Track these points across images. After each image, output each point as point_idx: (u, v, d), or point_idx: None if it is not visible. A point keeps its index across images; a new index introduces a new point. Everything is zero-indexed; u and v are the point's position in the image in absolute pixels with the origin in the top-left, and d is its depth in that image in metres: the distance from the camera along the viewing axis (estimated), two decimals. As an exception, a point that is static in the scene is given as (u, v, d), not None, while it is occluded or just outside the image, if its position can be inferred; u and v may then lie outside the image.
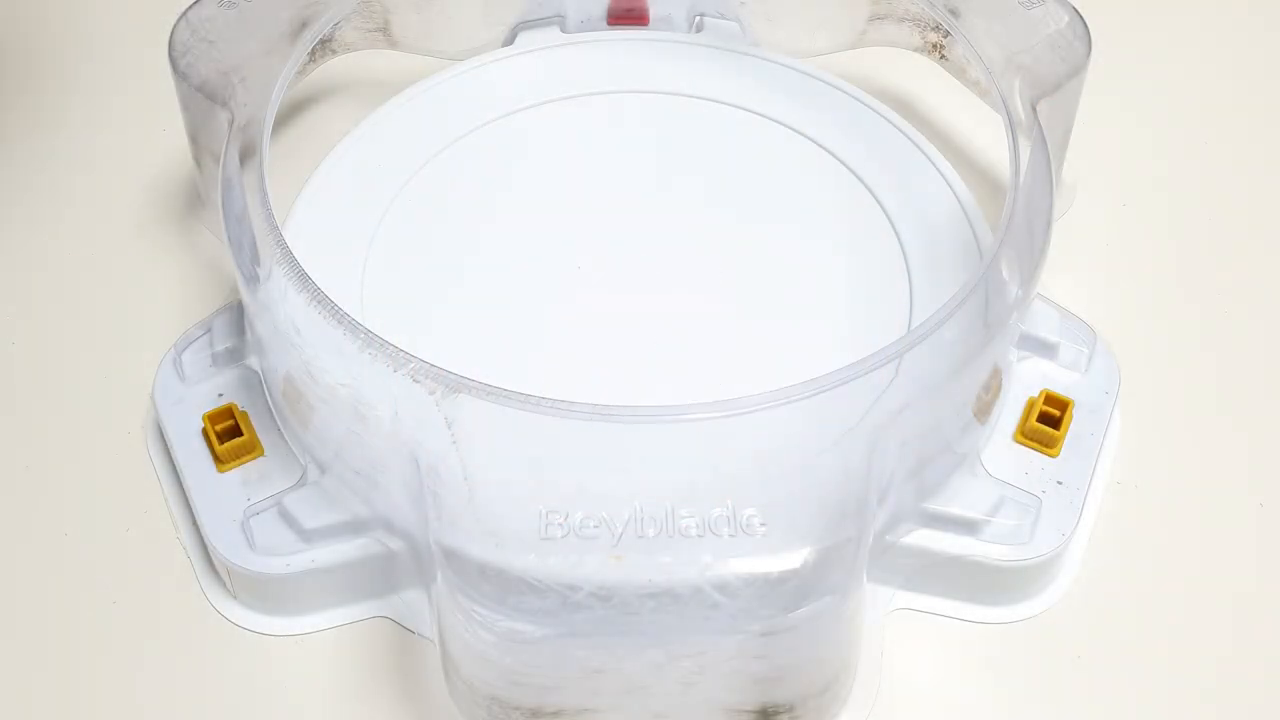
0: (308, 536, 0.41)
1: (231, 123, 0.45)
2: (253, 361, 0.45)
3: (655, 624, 0.37)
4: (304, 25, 0.48)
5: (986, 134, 0.53)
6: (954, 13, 0.48)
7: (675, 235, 0.48)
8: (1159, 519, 0.45)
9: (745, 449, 0.39)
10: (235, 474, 0.43)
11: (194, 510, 0.43)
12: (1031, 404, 0.45)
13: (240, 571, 0.42)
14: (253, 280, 0.41)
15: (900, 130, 0.50)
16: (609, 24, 0.53)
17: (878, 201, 0.48)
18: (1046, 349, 0.46)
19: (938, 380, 0.40)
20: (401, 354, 0.39)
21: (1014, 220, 0.42)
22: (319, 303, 0.40)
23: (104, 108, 0.55)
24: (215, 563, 0.43)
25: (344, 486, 0.42)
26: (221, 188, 0.43)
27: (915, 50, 0.52)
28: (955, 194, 0.48)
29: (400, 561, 0.42)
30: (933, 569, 0.42)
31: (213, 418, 0.44)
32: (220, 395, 0.45)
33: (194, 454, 0.44)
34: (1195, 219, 0.53)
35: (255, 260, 0.42)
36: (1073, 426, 0.44)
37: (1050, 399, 0.45)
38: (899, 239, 0.47)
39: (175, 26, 0.47)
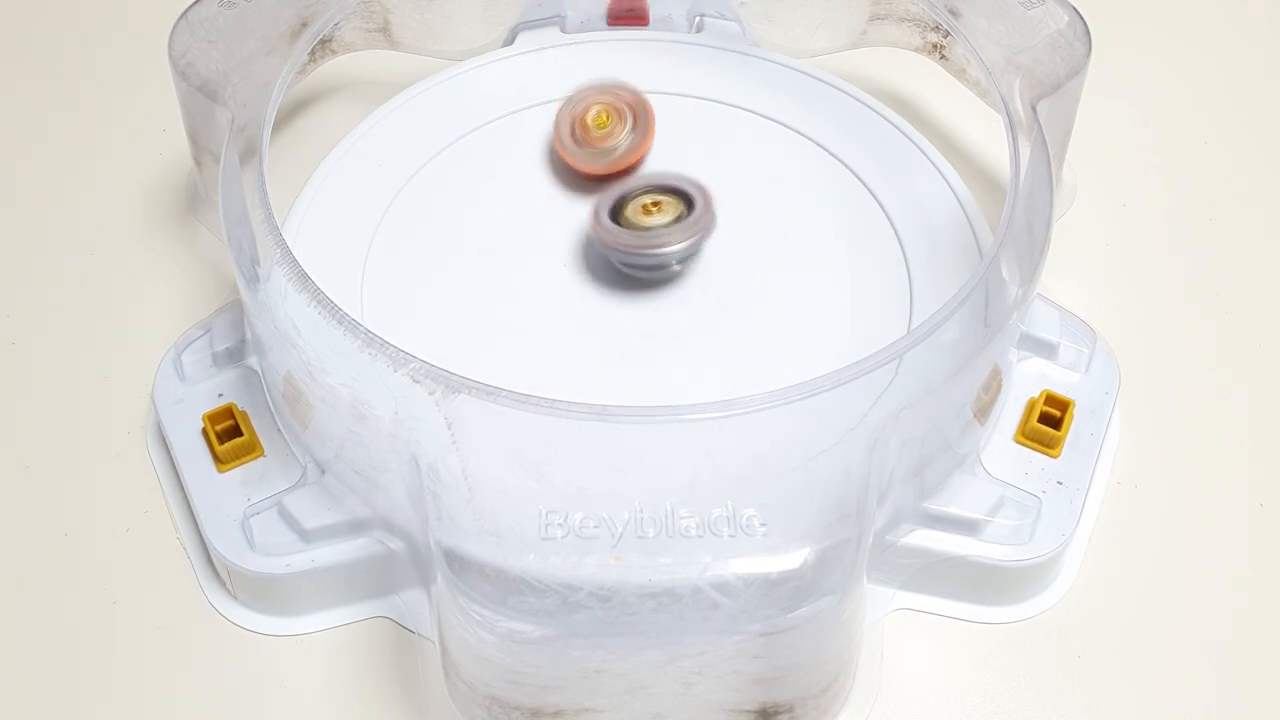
0: (308, 536, 0.41)
1: (231, 123, 0.45)
2: (253, 361, 0.45)
3: (655, 624, 0.37)
4: (304, 25, 0.48)
5: (986, 134, 0.53)
6: (954, 13, 0.48)
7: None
8: (1159, 519, 0.45)
9: (745, 449, 0.39)
10: (235, 474, 0.43)
11: (194, 510, 0.43)
12: (1032, 404, 0.45)
13: (240, 571, 0.42)
14: (253, 280, 0.41)
15: (900, 130, 0.50)
16: (609, 24, 0.54)
17: (878, 201, 0.48)
18: (1046, 349, 0.46)
19: (938, 380, 0.40)
20: (401, 354, 0.39)
21: (1014, 220, 0.42)
22: (319, 303, 0.40)
23: (104, 108, 0.55)
24: (215, 563, 0.43)
25: (344, 486, 0.42)
26: (221, 188, 0.43)
27: (915, 50, 0.52)
28: (955, 194, 0.48)
29: (400, 561, 0.42)
30: (933, 569, 0.42)
31: (213, 418, 0.44)
32: (220, 395, 0.45)
33: (194, 454, 0.44)
34: (1195, 219, 0.53)
35: (255, 260, 0.42)
36: (1073, 427, 0.44)
37: (1051, 399, 0.45)
38: (899, 239, 0.47)
39: (175, 26, 0.47)
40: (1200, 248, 0.52)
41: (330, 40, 0.52)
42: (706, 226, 0.46)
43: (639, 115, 0.49)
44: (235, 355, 0.45)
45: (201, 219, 0.51)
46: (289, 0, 0.48)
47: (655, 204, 0.46)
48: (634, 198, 0.46)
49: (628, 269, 0.46)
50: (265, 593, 0.42)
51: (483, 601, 0.37)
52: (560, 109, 0.49)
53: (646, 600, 0.37)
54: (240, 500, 0.43)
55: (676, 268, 0.46)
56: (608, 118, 0.49)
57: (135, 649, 0.42)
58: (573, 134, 0.49)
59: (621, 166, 0.49)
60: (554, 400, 0.38)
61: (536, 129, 0.51)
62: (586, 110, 0.49)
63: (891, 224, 0.48)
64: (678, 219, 0.46)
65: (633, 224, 0.46)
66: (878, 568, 0.42)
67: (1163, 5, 0.60)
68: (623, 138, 0.49)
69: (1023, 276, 0.42)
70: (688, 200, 0.46)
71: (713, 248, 0.47)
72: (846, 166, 0.49)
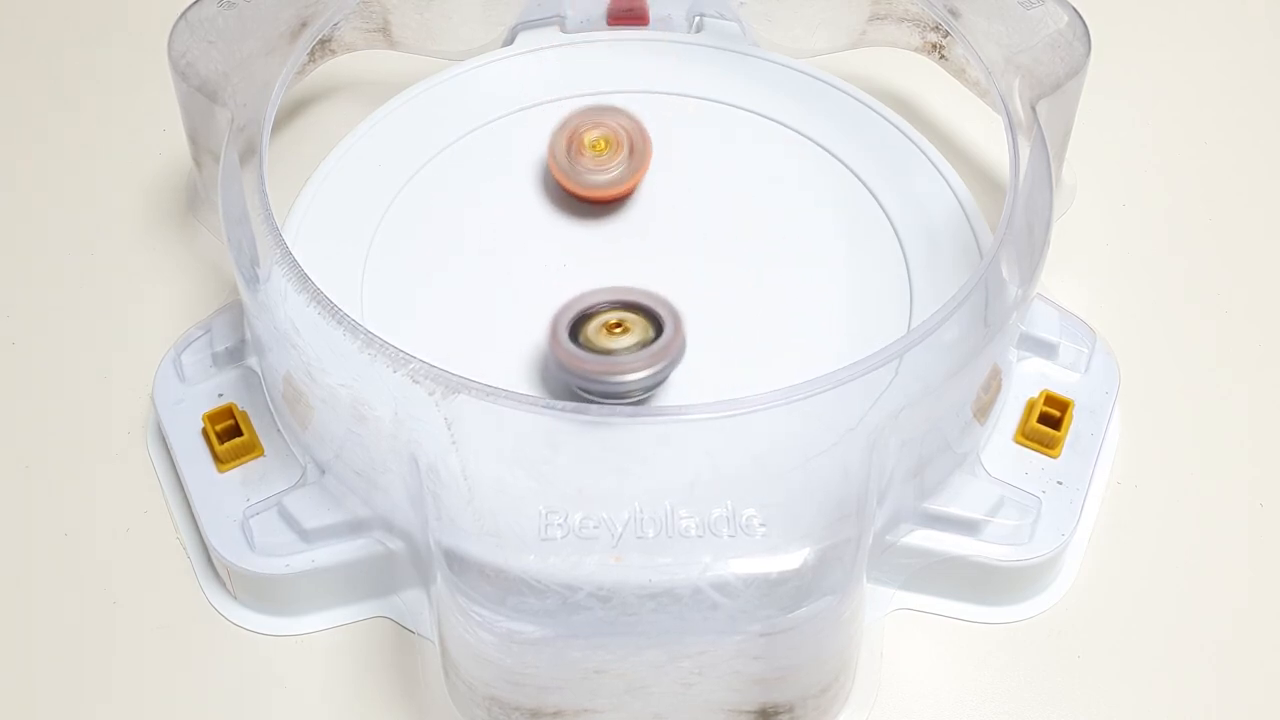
0: (308, 536, 0.41)
1: (231, 123, 0.45)
2: (253, 361, 0.45)
3: (655, 625, 0.37)
4: (304, 25, 0.48)
5: (986, 134, 0.53)
6: (954, 13, 0.48)
7: (676, 235, 0.48)
8: (1159, 519, 0.45)
9: (745, 449, 0.39)
10: (235, 474, 0.43)
11: (194, 510, 0.43)
12: (1031, 404, 0.45)
13: (240, 571, 0.42)
14: (253, 281, 0.41)
15: (900, 130, 0.50)
16: (609, 24, 0.53)
17: (878, 201, 0.48)
18: (1046, 349, 0.46)
19: (938, 380, 0.40)
20: (401, 354, 0.39)
21: (1014, 220, 0.42)
22: (319, 303, 0.40)
23: (104, 108, 0.55)
24: (215, 563, 0.43)
25: (344, 486, 0.42)
26: (221, 188, 0.43)
27: (915, 50, 0.52)
28: (955, 194, 0.48)
29: (400, 561, 0.42)
30: (933, 569, 0.42)
31: (213, 418, 0.44)
32: (220, 395, 0.45)
33: (194, 454, 0.44)
34: (1195, 219, 0.53)
35: (255, 261, 0.42)
36: (1072, 427, 0.44)
37: (1050, 399, 0.45)
38: (899, 239, 0.47)
39: (175, 26, 0.47)
40: (1200, 248, 0.52)
41: (330, 40, 0.52)
42: (675, 354, 0.42)
43: (636, 144, 0.48)
44: (235, 355, 0.45)
45: (201, 219, 0.51)
46: (289, 0, 0.48)
47: (619, 324, 0.43)
48: (597, 315, 0.43)
49: (585, 394, 0.42)
50: (265, 593, 0.42)
51: (483, 602, 0.37)
52: (559, 125, 0.48)
53: (646, 601, 0.37)
54: (240, 500, 0.43)
55: (640, 397, 0.43)
56: (606, 144, 0.47)
57: (135, 649, 0.42)
58: (568, 151, 0.47)
59: (613, 194, 0.48)
60: (554, 400, 0.38)
61: (537, 129, 0.51)
62: (585, 132, 0.48)
63: (891, 224, 0.48)
64: (643, 344, 0.42)
65: (593, 345, 0.42)
66: (878, 568, 0.42)
67: (1163, 5, 0.60)
68: (618, 164, 0.47)
69: (1023, 276, 0.42)
70: (656, 321, 0.43)
71: (713, 248, 0.47)
72: (846, 166, 0.49)
